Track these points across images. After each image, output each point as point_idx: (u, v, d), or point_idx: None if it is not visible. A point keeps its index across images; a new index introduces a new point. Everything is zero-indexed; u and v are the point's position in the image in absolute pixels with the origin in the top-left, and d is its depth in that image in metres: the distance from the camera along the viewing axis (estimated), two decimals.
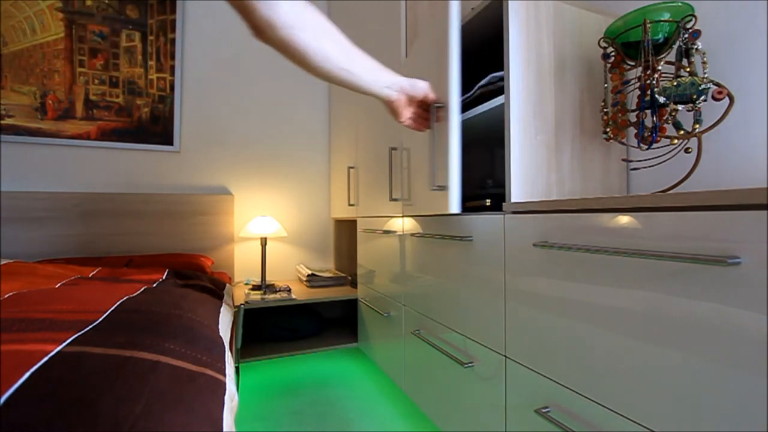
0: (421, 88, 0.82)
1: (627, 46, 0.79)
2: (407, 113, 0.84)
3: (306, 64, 0.63)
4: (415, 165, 1.12)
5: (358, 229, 1.72)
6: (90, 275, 1.28)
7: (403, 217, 1.28)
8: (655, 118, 0.73)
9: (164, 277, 1.33)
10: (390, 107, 0.81)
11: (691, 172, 0.74)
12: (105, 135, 1.88)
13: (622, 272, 0.56)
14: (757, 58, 0.78)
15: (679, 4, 0.70)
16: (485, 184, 1.07)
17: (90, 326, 0.64)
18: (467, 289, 0.93)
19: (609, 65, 0.85)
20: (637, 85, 0.76)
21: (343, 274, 2.05)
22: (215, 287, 1.33)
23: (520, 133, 0.86)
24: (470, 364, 0.90)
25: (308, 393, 1.40)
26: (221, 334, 0.84)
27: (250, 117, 2.16)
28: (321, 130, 2.33)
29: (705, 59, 0.70)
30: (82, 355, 0.53)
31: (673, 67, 0.75)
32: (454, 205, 0.87)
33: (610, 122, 0.84)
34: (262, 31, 0.57)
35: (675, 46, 0.74)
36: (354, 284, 1.91)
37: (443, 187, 0.89)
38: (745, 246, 0.42)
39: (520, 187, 0.85)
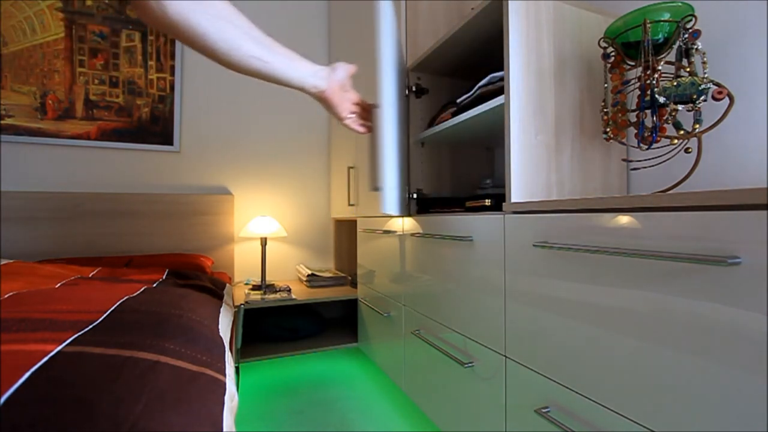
0: (342, 67, 0.73)
1: (627, 46, 0.79)
2: (347, 107, 0.76)
3: (210, 51, 0.58)
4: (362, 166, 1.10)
5: (358, 229, 1.72)
6: (90, 275, 1.28)
7: (403, 216, 1.28)
8: (655, 118, 0.73)
9: (164, 277, 1.33)
10: (324, 100, 0.72)
11: (691, 172, 0.74)
12: (105, 135, 1.88)
13: (622, 272, 0.56)
14: (757, 58, 0.78)
15: (679, 4, 0.70)
16: (485, 184, 1.07)
17: (90, 326, 0.64)
18: (467, 289, 0.93)
19: (609, 65, 0.85)
20: (637, 85, 0.76)
21: (343, 274, 2.05)
22: (215, 287, 1.33)
23: (520, 133, 0.86)
24: (470, 364, 0.90)
25: (308, 393, 1.40)
26: (221, 334, 0.84)
27: (250, 117, 2.16)
28: (321, 130, 2.33)
29: (705, 59, 0.70)
30: (82, 355, 0.53)
31: (673, 67, 0.75)
32: (388, 205, 0.84)
33: (610, 122, 0.84)
34: (151, 10, 0.50)
35: (675, 46, 0.74)
36: (354, 284, 1.91)
37: (378, 189, 0.89)
38: (745, 246, 0.42)
39: (520, 187, 0.85)
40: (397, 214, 0.86)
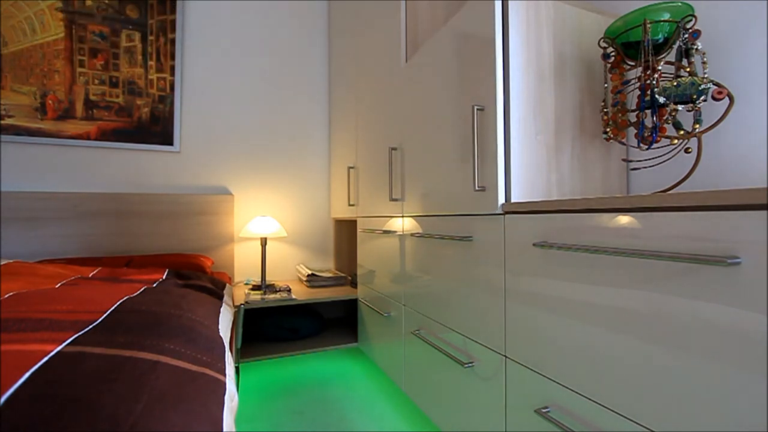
0: None
1: (627, 46, 0.79)
2: None
3: None
4: (436, 164, 1.11)
5: (358, 229, 1.71)
6: (90, 275, 1.28)
7: (403, 217, 1.28)
8: (655, 118, 0.73)
9: (164, 277, 1.33)
10: None
11: (691, 172, 0.74)
12: (105, 135, 1.88)
13: (622, 272, 0.56)
14: (757, 58, 0.78)
15: (679, 4, 0.70)
16: None
17: (90, 326, 0.64)
18: (467, 289, 0.93)
19: (609, 65, 0.85)
20: (637, 85, 0.76)
21: (343, 274, 2.05)
22: (215, 287, 1.33)
23: (520, 133, 0.86)
24: (470, 364, 0.90)
25: (308, 393, 1.40)
26: (221, 334, 0.84)
27: (250, 117, 2.16)
28: (321, 130, 2.33)
29: (705, 59, 0.70)
30: (82, 355, 0.53)
31: (673, 67, 0.75)
32: (500, 203, 0.85)
33: (610, 122, 0.84)
34: None
35: (675, 46, 0.74)
36: (354, 284, 1.91)
37: (484, 188, 0.88)
38: (745, 246, 0.42)
39: (520, 187, 0.85)
40: (501, 212, 0.86)
